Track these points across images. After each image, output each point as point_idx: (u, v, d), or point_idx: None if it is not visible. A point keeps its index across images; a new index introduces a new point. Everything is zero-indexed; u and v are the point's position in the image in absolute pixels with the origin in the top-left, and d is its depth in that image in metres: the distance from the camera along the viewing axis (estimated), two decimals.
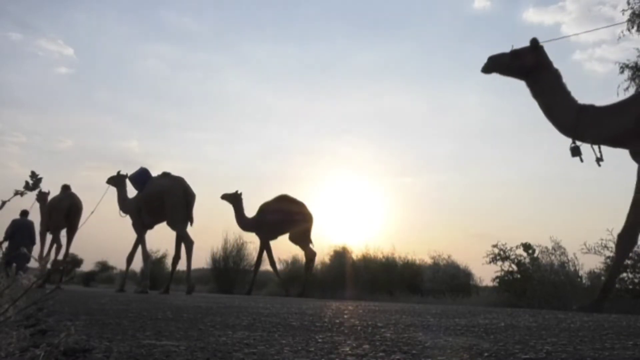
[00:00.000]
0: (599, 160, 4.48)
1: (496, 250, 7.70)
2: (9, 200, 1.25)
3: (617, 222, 4.45)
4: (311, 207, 10.35)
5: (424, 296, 9.69)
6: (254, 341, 1.77)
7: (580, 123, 4.50)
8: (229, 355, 1.46)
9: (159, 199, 8.76)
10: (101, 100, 40.05)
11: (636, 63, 9.48)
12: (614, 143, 4.55)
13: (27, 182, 1.26)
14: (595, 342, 1.86)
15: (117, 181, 9.79)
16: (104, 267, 26.78)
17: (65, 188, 10.34)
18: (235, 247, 13.17)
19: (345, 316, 3.05)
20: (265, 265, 11.78)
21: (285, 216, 9.92)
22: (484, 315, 3.30)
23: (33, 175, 1.27)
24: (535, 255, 7.66)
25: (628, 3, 9.48)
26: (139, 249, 9.25)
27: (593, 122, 4.49)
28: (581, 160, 4.53)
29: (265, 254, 10.30)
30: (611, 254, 6.66)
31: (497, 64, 4.88)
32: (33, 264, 10.39)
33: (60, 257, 10.31)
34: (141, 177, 9.28)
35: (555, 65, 4.69)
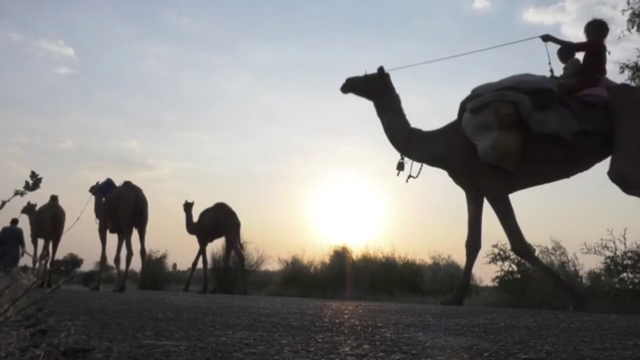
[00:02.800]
0: (410, 177, 5.18)
1: (496, 250, 7.69)
2: (9, 200, 1.25)
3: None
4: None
5: (424, 296, 9.69)
6: (254, 341, 1.77)
7: (409, 143, 5.17)
8: (229, 355, 1.46)
9: (116, 206, 9.61)
10: (101, 100, 40.03)
11: (636, 63, 9.46)
12: (431, 163, 5.17)
13: (27, 182, 1.26)
14: (595, 342, 1.86)
15: (95, 190, 10.72)
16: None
17: (52, 199, 11.20)
18: None
19: (345, 316, 3.05)
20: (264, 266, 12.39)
21: (218, 221, 11.03)
22: (484, 315, 3.30)
23: (33, 175, 1.27)
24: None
25: (628, 3, 9.47)
26: (123, 247, 9.78)
27: (417, 145, 5.15)
28: (398, 174, 5.19)
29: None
30: (611, 254, 6.68)
31: (351, 86, 5.44)
32: (21, 263, 10.94)
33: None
34: (105, 186, 10.31)
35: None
